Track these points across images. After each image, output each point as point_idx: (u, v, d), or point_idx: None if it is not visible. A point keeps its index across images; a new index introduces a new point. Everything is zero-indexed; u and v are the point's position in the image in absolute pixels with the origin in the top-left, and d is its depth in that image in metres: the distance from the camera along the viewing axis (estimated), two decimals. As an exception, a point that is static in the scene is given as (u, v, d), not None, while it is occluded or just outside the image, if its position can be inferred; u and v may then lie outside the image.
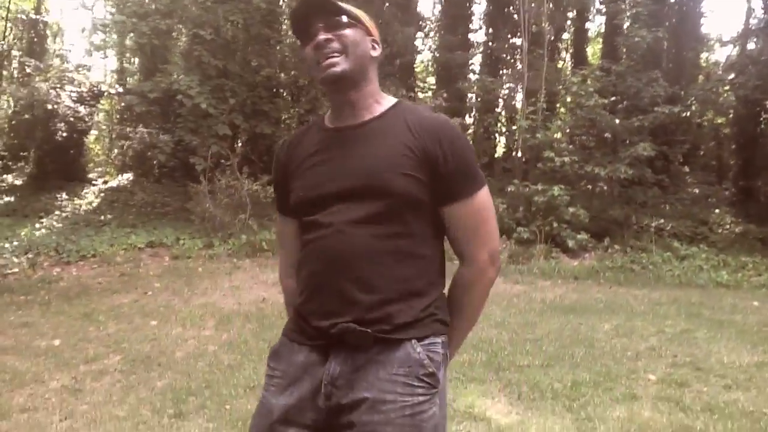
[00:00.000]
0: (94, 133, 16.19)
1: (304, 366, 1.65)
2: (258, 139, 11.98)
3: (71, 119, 13.57)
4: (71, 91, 13.68)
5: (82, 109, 13.68)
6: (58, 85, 13.19)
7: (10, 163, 15.46)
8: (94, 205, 13.54)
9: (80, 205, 13.34)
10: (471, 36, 17.06)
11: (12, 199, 13.70)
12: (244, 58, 11.41)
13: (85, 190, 14.69)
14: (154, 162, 14.35)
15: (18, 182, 15.49)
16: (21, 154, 15.26)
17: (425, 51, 17.21)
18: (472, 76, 15.32)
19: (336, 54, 1.62)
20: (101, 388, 4.84)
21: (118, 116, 16.03)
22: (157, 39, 11.09)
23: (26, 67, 13.86)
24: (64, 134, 13.99)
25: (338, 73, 1.62)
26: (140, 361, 5.38)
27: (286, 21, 11.95)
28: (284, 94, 12.56)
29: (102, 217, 12.23)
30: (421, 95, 15.77)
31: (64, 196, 13.90)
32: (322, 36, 1.62)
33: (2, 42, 18.63)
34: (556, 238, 10.53)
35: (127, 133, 14.19)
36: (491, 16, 16.62)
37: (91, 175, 16.67)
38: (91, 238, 10.48)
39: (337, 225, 1.60)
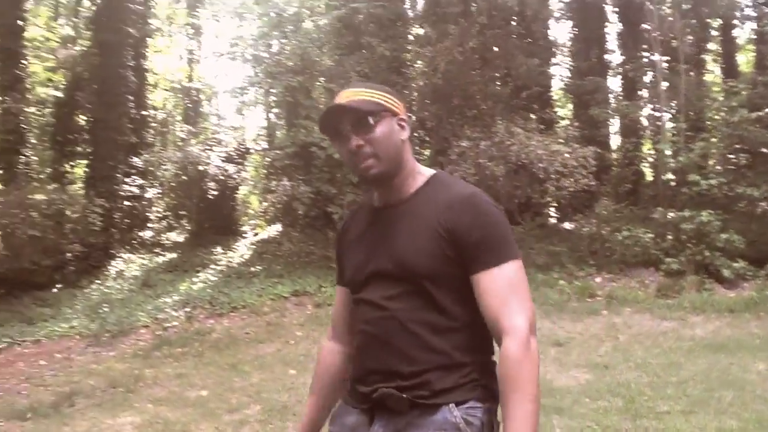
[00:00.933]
0: (244, 188, 17.20)
1: (353, 427, 1.80)
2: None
3: (221, 177, 14.57)
4: (220, 152, 14.74)
5: (230, 168, 14.65)
6: (208, 147, 14.30)
7: (172, 221, 16.83)
8: (246, 257, 14.35)
9: (233, 258, 14.19)
10: (606, 58, 16.55)
11: (174, 255, 14.84)
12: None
13: (237, 243, 15.63)
14: (298, 212, 15.03)
15: (180, 239, 16.80)
16: (180, 212, 16.56)
17: (558, 79, 16.89)
18: (611, 101, 14.80)
19: (370, 158, 1.72)
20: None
21: (264, 171, 16.99)
22: (291, 96, 11.72)
23: (181, 132, 15.14)
24: (215, 192, 15.02)
25: (375, 175, 1.74)
26: (277, 410, 5.59)
27: (411, 66, 12.22)
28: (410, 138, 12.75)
29: (252, 269, 12.92)
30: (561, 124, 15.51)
31: (219, 249, 14.86)
32: (353, 142, 1.72)
33: (162, 110, 20.57)
34: (708, 268, 9.77)
35: (272, 187, 14.98)
36: (624, 35, 16.02)
37: (244, 229, 17.76)
38: (242, 290, 11.07)
39: (376, 301, 1.75)
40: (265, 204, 18.28)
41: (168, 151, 15.37)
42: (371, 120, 1.72)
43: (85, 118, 15.34)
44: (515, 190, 11.19)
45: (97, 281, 13.07)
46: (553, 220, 14.68)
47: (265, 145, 16.87)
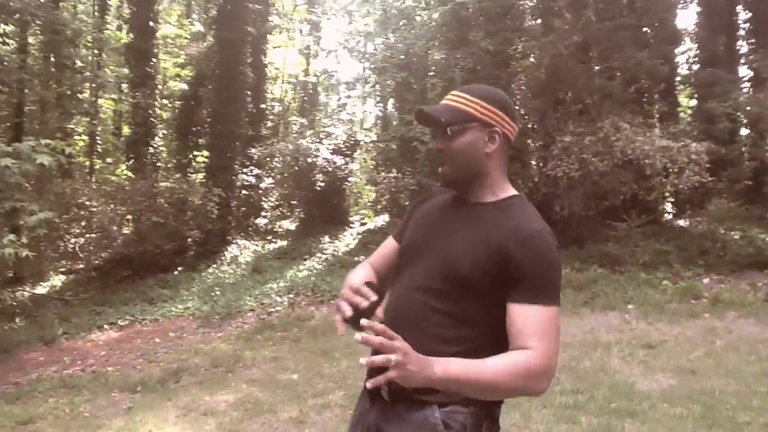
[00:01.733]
0: (352, 179, 17.68)
1: (362, 411, 1.96)
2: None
3: (329, 169, 15.08)
4: (329, 144, 15.27)
5: (339, 159, 15.13)
6: (319, 140, 14.87)
7: (284, 210, 17.59)
8: (351, 246, 14.80)
9: (339, 247, 14.68)
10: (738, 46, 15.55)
11: (284, 243, 15.53)
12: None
13: (344, 233, 16.13)
14: (405, 204, 15.32)
15: (291, 227, 17.54)
16: (292, 202, 17.28)
17: (684, 69, 16.04)
18: (739, 93, 13.95)
19: (446, 164, 1.86)
20: (321, 421, 5.36)
21: (373, 163, 17.40)
22: (395, 91, 11.96)
23: (293, 125, 15.81)
24: (323, 183, 15.56)
25: (448, 181, 1.89)
26: (358, 396, 5.83)
27: (514, 61, 12.10)
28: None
29: (355, 258, 13.31)
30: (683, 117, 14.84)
31: (327, 239, 15.40)
32: (436, 145, 1.88)
33: (281, 103, 21.44)
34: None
35: (379, 178, 15.35)
36: (754, 23, 14.99)
37: (353, 219, 18.28)
38: (343, 278, 11.43)
39: (407, 284, 1.88)
40: (373, 195, 18.74)
41: (281, 143, 16.05)
42: (449, 131, 1.82)
43: (207, 111, 16.28)
44: (621, 186, 10.86)
45: (213, 265, 13.91)
46: (668, 217, 14.12)
47: (374, 137, 17.27)
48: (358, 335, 1.63)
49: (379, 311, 1.81)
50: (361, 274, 2.02)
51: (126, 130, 17.54)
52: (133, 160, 15.59)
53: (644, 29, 12.45)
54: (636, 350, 6.89)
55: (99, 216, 14.38)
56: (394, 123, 14.15)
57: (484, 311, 1.76)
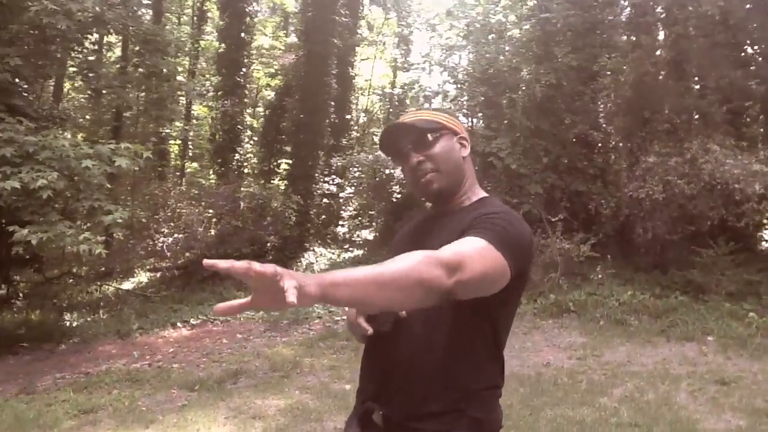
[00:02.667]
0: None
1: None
2: (573, 197, 11.85)
3: (404, 181, 15.09)
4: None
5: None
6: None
7: (363, 220, 17.73)
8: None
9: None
10: None
11: (361, 252, 15.64)
12: (557, 116, 11.48)
13: (420, 245, 16.05)
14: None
15: (370, 237, 17.64)
16: (370, 212, 17.41)
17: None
18: None
19: (430, 173, 1.81)
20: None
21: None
22: (475, 105, 11.84)
23: (374, 136, 15.92)
24: (399, 195, 15.59)
25: (436, 190, 1.83)
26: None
27: (600, 78, 11.76)
28: (599, 151, 12.25)
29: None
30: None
31: (404, 251, 15.36)
32: (414, 159, 1.82)
33: (367, 114, 21.71)
34: None
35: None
36: None
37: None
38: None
39: None
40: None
41: (361, 153, 16.23)
42: (430, 137, 1.81)
43: (292, 121, 16.67)
44: (709, 210, 10.32)
45: (290, 271, 14.14)
46: (765, 246, 13.31)
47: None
48: (221, 262, 1.23)
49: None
50: None
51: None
52: (220, 165, 16.15)
53: (745, 47, 11.82)
54: (707, 385, 6.48)
55: (186, 217, 14.97)
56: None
57: (467, 319, 1.71)
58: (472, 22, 12.39)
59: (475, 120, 13.58)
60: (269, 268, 1.22)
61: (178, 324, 10.31)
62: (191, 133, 19.14)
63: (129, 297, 13.02)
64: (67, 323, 10.90)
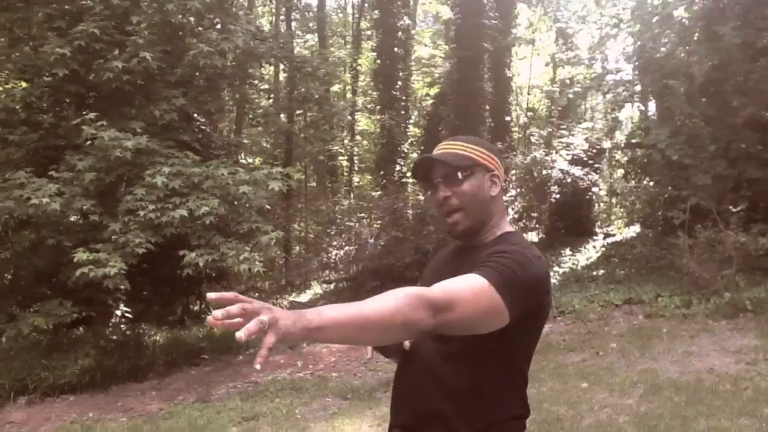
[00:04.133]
0: (597, 189, 16.86)
1: None
2: (750, 186, 10.84)
3: (567, 180, 14.60)
4: (568, 154, 14.79)
5: (577, 171, 14.57)
6: (556, 150, 14.50)
7: (527, 222, 17.37)
8: (592, 260, 14.17)
9: (578, 261, 14.13)
10: None
11: (525, 256, 15.33)
12: (724, 100, 10.58)
13: (587, 246, 15.46)
14: (658, 214, 14.30)
15: (535, 239, 17.26)
16: (533, 214, 17.04)
17: None
18: None
19: (456, 211, 1.84)
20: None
21: (621, 171, 16.50)
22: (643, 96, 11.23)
23: (531, 136, 15.65)
24: (557, 195, 15.12)
25: (461, 232, 1.87)
26: (548, 423, 5.64)
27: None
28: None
29: (593, 272, 12.75)
30: None
31: (568, 251, 14.92)
32: (441, 193, 1.84)
33: (527, 115, 21.31)
34: None
35: (626, 188, 14.54)
36: None
37: (602, 230, 17.44)
38: (574, 294, 11.05)
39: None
40: (624, 205, 17.74)
41: (519, 155, 15.98)
42: (460, 175, 1.83)
43: (447, 128, 16.80)
44: None
45: (453, 278, 14.23)
46: None
47: (621, 144, 16.37)
48: (217, 312, 1.34)
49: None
50: None
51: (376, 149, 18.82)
52: (383, 177, 16.69)
53: None
54: None
55: (355, 230, 15.65)
56: (638, 131, 13.28)
57: (487, 345, 1.73)
58: (632, 8, 11.74)
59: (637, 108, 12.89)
60: (256, 307, 1.33)
61: (343, 334, 10.79)
62: (356, 149, 19.93)
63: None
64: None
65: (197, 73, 9.11)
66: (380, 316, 1.44)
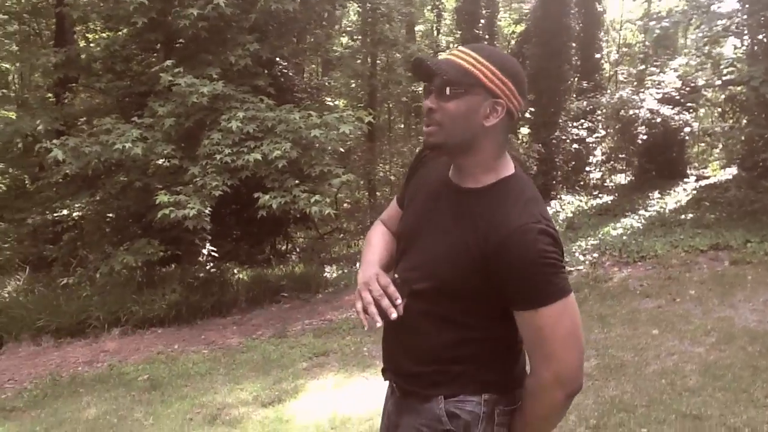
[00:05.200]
0: (690, 129, 15.98)
1: (387, 397, 1.96)
2: None
3: (656, 120, 13.93)
4: (658, 93, 14.07)
5: (666, 110, 13.85)
6: (645, 89, 13.80)
7: (616, 164, 16.80)
8: (682, 203, 13.59)
9: (666, 204, 13.59)
10: None
11: (610, 199, 14.92)
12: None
13: (678, 188, 14.83)
14: (756, 157, 13.49)
15: (624, 182, 16.70)
16: (620, 156, 16.44)
17: None
18: None
19: (433, 125, 1.63)
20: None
21: (719, 109, 15.58)
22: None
23: (620, 74, 14.87)
24: (644, 136, 14.47)
25: (431, 144, 1.67)
26: (611, 368, 5.58)
27: None
28: None
29: (681, 216, 12.24)
30: None
31: (657, 194, 14.36)
32: (427, 102, 1.64)
33: (617, 52, 20.32)
34: None
35: (721, 128, 13.75)
36: None
37: (692, 173, 16.64)
38: (657, 239, 10.67)
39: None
40: (719, 146, 16.82)
41: (606, 95, 15.34)
42: (448, 90, 1.59)
43: (531, 68, 16.28)
44: None
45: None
46: None
47: (719, 83, 15.38)
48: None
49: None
50: (375, 262, 1.87)
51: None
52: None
53: None
54: None
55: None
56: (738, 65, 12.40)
57: (476, 314, 1.67)
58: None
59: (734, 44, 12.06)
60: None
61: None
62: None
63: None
64: (327, 275, 12.13)
65: (269, 18, 9.18)
66: None
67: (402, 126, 22.66)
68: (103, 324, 8.73)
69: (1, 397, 6.93)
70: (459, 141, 1.63)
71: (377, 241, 1.97)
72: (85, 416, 5.94)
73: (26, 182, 13.07)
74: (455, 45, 18.64)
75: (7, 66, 12.74)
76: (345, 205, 21.37)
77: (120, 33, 9.19)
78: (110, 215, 10.36)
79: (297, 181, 8.20)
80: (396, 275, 1.76)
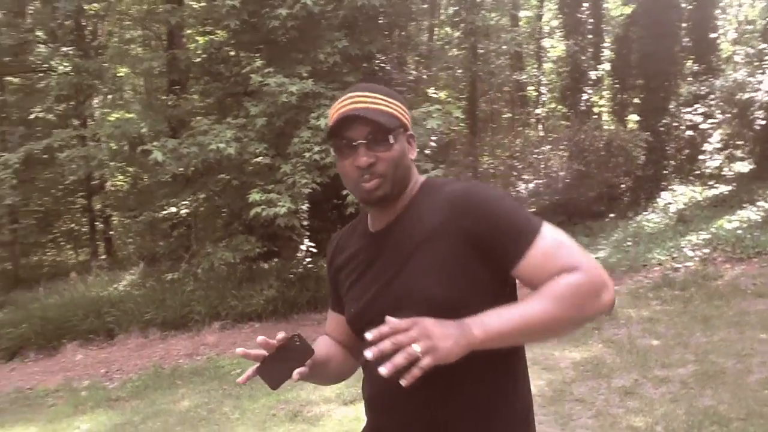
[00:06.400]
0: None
1: None
2: None
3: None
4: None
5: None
6: (759, 71, 12.72)
7: (733, 151, 15.62)
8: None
9: (787, 195, 12.52)
10: None
11: (727, 188, 13.92)
12: None
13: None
14: None
15: (744, 170, 15.52)
16: (738, 142, 15.29)
17: None
18: None
19: (377, 178, 1.54)
20: (651, 396, 4.99)
21: None
22: None
23: (737, 55, 13.77)
24: (763, 121, 13.35)
25: (380, 197, 1.56)
26: (708, 375, 5.22)
27: None
28: None
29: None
30: None
31: (778, 185, 13.26)
32: (364, 158, 1.52)
33: (732, 28, 18.90)
34: None
35: None
36: None
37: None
38: (782, 234, 9.85)
39: None
40: None
41: (720, 78, 14.29)
42: (391, 138, 1.53)
43: (639, 51, 15.47)
44: None
45: (643, 213, 13.34)
46: None
47: None
48: (367, 351, 1.28)
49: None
50: None
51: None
52: (569, 107, 15.87)
53: None
54: None
55: (544, 163, 15.16)
56: None
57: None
58: None
59: None
60: (412, 336, 1.28)
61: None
62: (542, 78, 19.11)
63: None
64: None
65: (358, 14, 9.19)
66: (557, 321, 1.41)
67: (508, 116, 22.23)
68: (204, 318, 9.09)
69: (108, 387, 7.38)
70: (401, 184, 1.58)
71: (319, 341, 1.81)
72: (179, 408, 6.21)
73: (145, 180, 13.79)
74: (559, 30, 18.06)
75: (124, 70, 13.49)
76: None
77: (216, 36, 9.49)
78: (213, 213, 10.76)
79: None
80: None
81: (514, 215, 1.49)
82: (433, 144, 9.33)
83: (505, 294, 1.55)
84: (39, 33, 14.15)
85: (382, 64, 11.48)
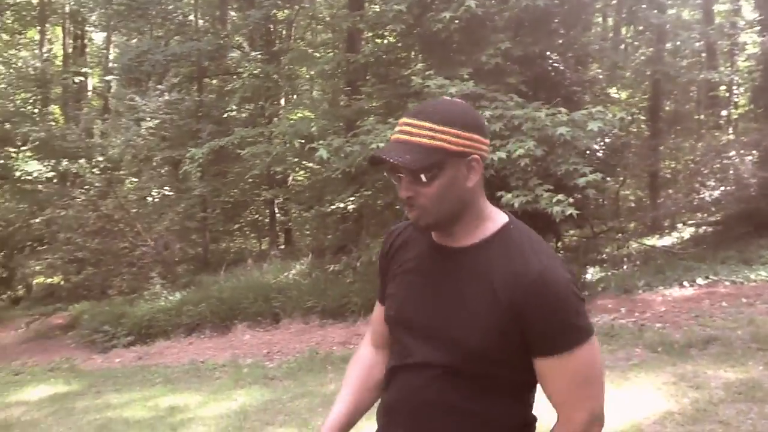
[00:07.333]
0: None
1: None
2: None
3: None
4: None
5: None
6: None
7: None
8: None
9: None
10: None
11: None
12: None
13: None
14: None
15: None
16: None
17: None
18: None
19: (417, 210, 1.55)
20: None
21: None
22: None
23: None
24: None
25: (423, 227, 1.60)
26: None
27: None
28: None
29: None
30: None
31: None
32: (403, 192, 1.55)
33: None
34: None
35: None
36: None
37: None
38: None
39: (410, 364, 1.63)
40: None
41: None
42: (424, 178, 1.51)
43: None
44: None
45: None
46: None
47: None
48: None
49: None
50: (333, 426, 1.79)
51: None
52: (761, 107, 14.56)
53: None
54: None
55: (732, 168, 14.06)
56: None
57: (493, 392, 1.58)
58: None
59: None
60: None
61: (685, 283, 9.97)
62: (734, 77, 17.65)
63: (656, 252, 13.07)
64: (589, 276, 11.65)
65: (524, 15, 9.10)
66: None
67: (697, 117, 20.80)
68: (359, 309, 9.50)
69: (267, 366, 7.99)
70: (449, 213, 1.56)
71: (349, 382, 1.87)
72: (325, 390, 6.60)
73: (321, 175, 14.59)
74: (750, 27, 16.58)
75: (302, 71, 14.40)
76: (630, 203, 20.24)
77: (385, 40, 9.87)
78: (376, 209, 11.20)
79: (539, 181, 8.07)
80: None
81: (569, 317, 1.49)
82: (596, 147, 9.04)
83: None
84: (238, 38, 15.52)
85: (556, 64, 11.26)
